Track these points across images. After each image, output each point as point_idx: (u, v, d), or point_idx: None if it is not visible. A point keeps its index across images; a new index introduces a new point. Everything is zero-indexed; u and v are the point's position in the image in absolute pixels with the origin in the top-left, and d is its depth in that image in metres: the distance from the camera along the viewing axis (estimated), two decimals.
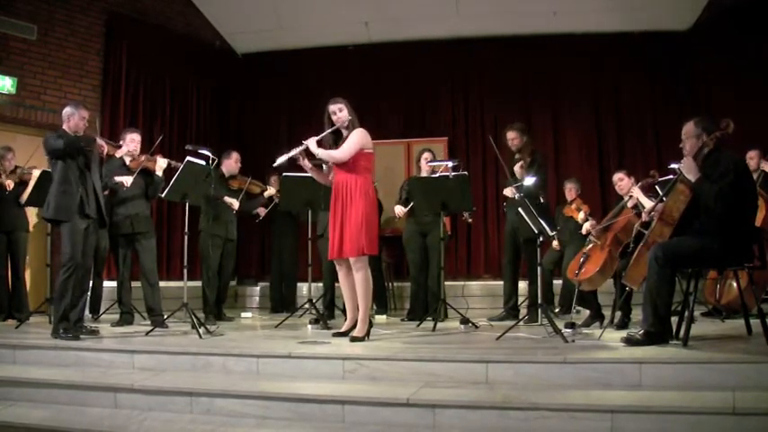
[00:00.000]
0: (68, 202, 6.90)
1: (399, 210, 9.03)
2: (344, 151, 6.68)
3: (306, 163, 6.93)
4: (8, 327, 8.06)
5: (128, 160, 8.17)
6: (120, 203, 8.14)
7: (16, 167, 8.90)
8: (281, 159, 6.86)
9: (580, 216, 8.83)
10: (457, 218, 11.24)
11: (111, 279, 9.63)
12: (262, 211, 10.30)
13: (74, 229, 6.91)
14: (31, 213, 9.28)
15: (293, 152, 6.79)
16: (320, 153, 6.76)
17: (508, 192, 8.40)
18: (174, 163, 8.07)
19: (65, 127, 7.11)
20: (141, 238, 8.18)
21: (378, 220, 7.22)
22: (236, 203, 9.29)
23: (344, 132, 6.83)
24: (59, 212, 6.92)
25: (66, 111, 7.16)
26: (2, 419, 5.46)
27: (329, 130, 6.84)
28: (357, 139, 6.70)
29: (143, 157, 8.15)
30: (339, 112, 6.79)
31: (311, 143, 6.75)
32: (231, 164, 9.40)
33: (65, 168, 6.93)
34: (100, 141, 7.21)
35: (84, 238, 7.06)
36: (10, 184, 8.70)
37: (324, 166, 7.11)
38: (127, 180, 8.02)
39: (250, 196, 9.74)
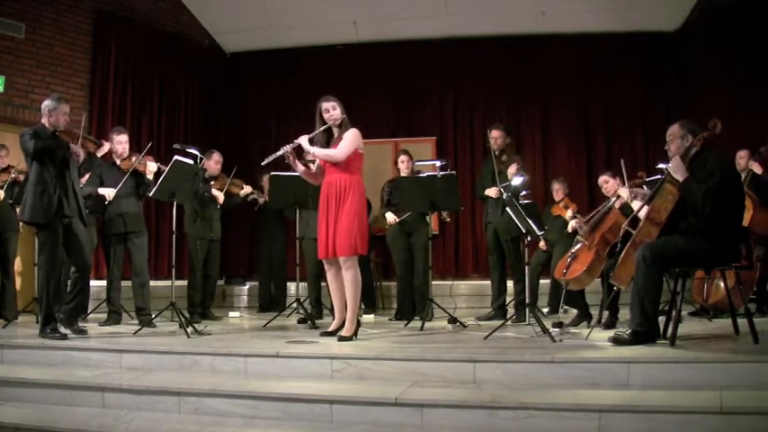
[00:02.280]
0: (45, 203, 6.77)
1: (391, 218, 9.05)
2: (342, 151, 6.69)
3: (297, 164, 6.94)
4: None
5: (118, 161, 8.16)
6: (112, 202, 8.12)
7: (9, 166, 8.86)
8: (269, 158, 6.86)
9: (568, 214, 8.87)
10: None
11: (98, 278, 9.61)
12: (261, 199, 10.26)
13: (51, 231, 6.84)
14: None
15: (282, 150, 6.80)
16: (316, 152, 6.76)
17: (492, 192, 8.42)
18: (163, 167, 8.05)
19: (44, 121, 6.97)
20: (133, 237, 8.18)
21: (368, 220, 7.22)
22: (221, 197, 9.31)
23: (336, 131, 6.85)
24: (35, 215, 6.81)
25: (47, 105, 6.98)
26: None
27: (321, 129, 6.85)
28: (353, 138, 6.73)
29: (134, 158, 8.13)
30: (332, 110, 6.81)
31: (303, 141, 6.75)
32: (211, 165, 9.38)
33: (40, 168, 6.81)
34: (75, 149, 7.00)
35: (74, 238, 7.01)
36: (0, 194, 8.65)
37: (313, 164, 7.13)
38: (109, 193, 8.03)
39: (231, 196, 9.71)
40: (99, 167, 8.04)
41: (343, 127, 6.82)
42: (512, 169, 8.33)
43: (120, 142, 8.17)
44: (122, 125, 9.76)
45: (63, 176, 6.92)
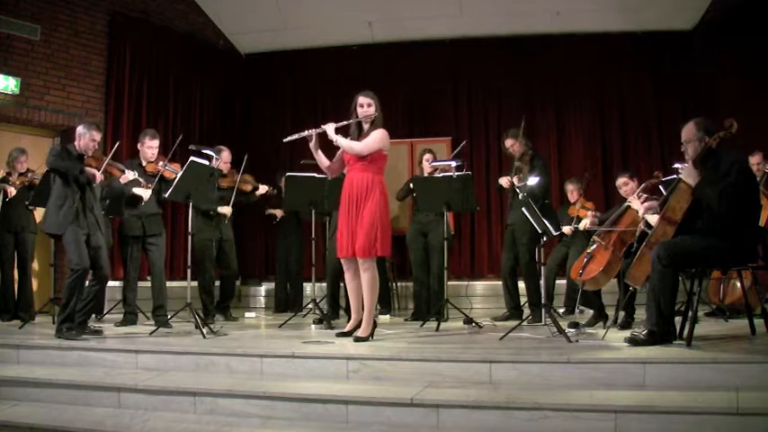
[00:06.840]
0: (65, 216, 6.94)
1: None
2: (367, 145, 6.69)
3: (318, 152, 6.93)
4: (12, 327, 8.08)
5: (144, 163, 8.20)
6: (131, 204, 8.15)
7: (28, 170, 8.92)
8: (291, 137, 6.92)
9: (589, 213, 8.83)
10: (460, 217, 11.25)
11: (114, 279, 9.63)
12: (278, 213, 10.28)
13: (75, 235, 6.93)
14: (38, 214, 9.27)
15: (306, 132, 6.84)
16: (340, 141, 6.74)
17: (503, 181, 8.41)
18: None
19: (75, 143, 7.19)
20: (152, 238, 8.24)
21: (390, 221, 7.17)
22: (229, 211, 9.20)
23: (365, 127, 6.85)
24: (57, 227, 6.99)
25: (79, 130, 7.23)
26: (6, 419, 5.49)
27: (352, 120, 6.87)
28: (380, 137, 6.74)
29: (160, 163, 8.16)
30: (368, 106, 6.83)
31: (329, 128, 6.75)
32: (219, 164, 9.24)
33: (63, 184, 6.99)
34: (91, 171, 7.13)
35: (94, 251, 7.09)
36: (12, 191, 8.71)
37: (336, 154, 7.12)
38: (146, 195, 8.03)
39: (243, 193, 9.64)
40: (121, 193, 8.06)
41: (374, 125, 6.82)
42: (515, 180, 8.27)
43: (151, 147, 8.28)
44: (138, 126, 9.83)
45: (84, 193, 7.10)
